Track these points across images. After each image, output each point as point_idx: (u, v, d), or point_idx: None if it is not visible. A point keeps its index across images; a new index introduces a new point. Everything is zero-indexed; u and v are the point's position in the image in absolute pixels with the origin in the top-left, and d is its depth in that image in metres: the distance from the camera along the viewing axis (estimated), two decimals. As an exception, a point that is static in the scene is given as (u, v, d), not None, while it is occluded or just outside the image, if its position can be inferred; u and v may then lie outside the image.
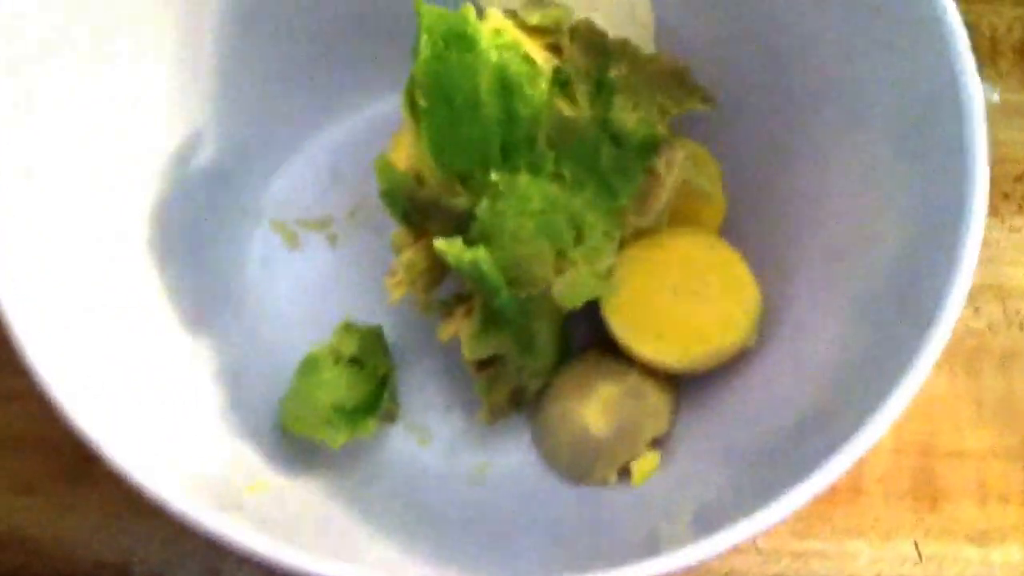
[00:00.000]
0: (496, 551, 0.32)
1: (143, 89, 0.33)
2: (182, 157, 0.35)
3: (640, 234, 0.34)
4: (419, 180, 0.32)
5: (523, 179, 0.32)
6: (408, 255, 0.32)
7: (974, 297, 0.40)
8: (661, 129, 0.33)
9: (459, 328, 0.33)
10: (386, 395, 0.34)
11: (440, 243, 0.31)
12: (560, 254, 0.32)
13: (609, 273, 0.33)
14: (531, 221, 0.32)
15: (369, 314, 0.36)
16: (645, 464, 0.34)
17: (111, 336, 0.30)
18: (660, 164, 0.33)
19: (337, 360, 0.34)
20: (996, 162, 0.35)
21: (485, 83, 0.31)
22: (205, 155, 0.36)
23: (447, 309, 0.33)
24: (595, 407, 0.34)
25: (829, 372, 0.31)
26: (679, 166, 0.33)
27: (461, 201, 0.32)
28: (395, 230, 0.33)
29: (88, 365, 0.27)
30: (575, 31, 0.32)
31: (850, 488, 0.38)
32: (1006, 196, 0.42)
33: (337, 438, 0.33)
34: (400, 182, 0.32)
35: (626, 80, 0.32)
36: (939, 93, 0.29)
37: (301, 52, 0.37)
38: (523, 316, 0.32)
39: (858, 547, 0.37)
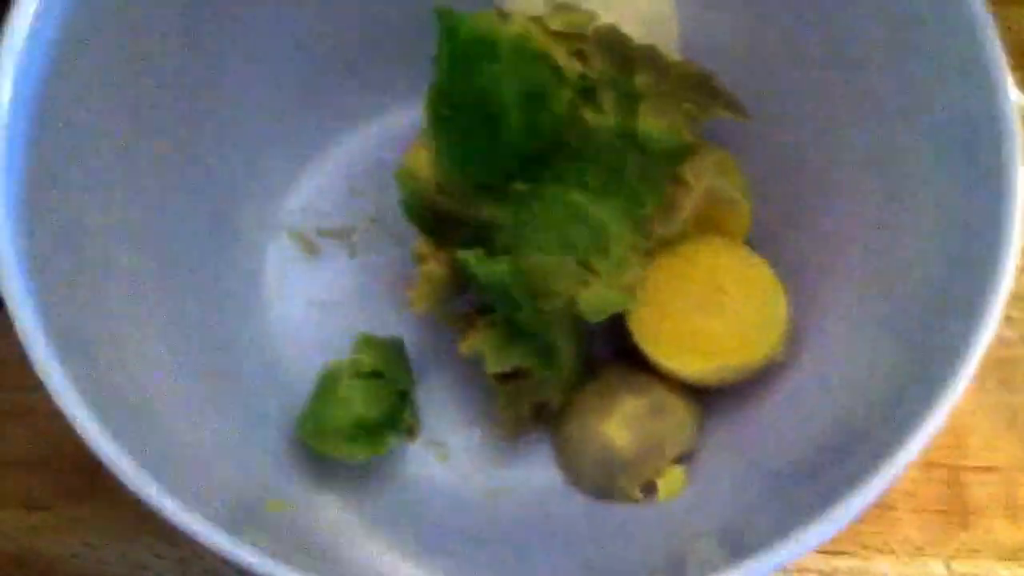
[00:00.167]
0: (516, 571, 0.31)
1: (159, 97, 0.32)
2: (199, 166, 0.34)
3: (665, 243, 0.33)
4: (441, 190, 0.31)
5: (547, 189, 0.31)
6: (430, 266, 0.32)
7: (1006, 306, 0.39)
8: (687, 136, 0.32)
9: (481, 341, 0.32)
10: (407, 410, 0.34)
11: (462, 255, 0.30)
12: (584, 266, 0.31)
13: (634, 285, 0.32)
14: (555, 232, 0.31)
15: (387, 325, 0.36)
16: (671, 480, 0.33)
17: (124, 350, 0.29)
18: (687, 172, 0.32)
19: (357, 374, 0.33)
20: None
21: (508, 91, 0.30)
22: (222, 164, 0.35)
23: (468, 321, 0.33)
24: (619, 422, 0.33)
25: (861, 390, 0.30)
26: (706, 174, 0.32)
27: (484, 212, 0.31)
28: (416, 241, 0.32)
29: (100, 380, 0.27)
30: (600, 37, 0.31)
31: (877, 504, 0.37)
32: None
33: (357, 455, 0.32)
34: (422, 193, 0.31)
35: (652, 87, 0.32)
36: (976, 108, 0.28)
37: (320, 59, 0.37)
38: (546, 329, 0.32)
39: (886, 565, 0.36)
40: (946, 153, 0.30)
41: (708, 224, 0.34)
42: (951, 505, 0.37)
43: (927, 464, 0.37)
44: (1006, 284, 0.27)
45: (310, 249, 0.37)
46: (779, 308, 0.33)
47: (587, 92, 0.31)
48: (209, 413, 0.31)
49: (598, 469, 0.33)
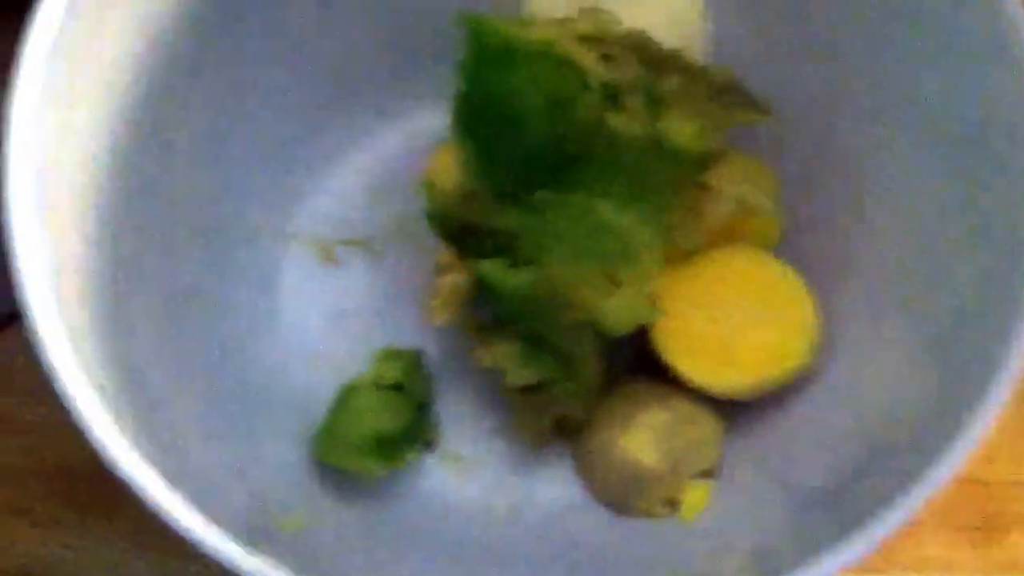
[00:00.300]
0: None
1: (177, 105, 0.31)
2: (216, 173, 0.34)
3: (692, 252, 0.32)
4: (466, 200, 0.30)
5: (571, 197, 0.30)
6: (452, 277, 0.31)
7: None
8: (715, 142, 0.31)
9: (501, 353, 0.31)
10: (426, 423, 0.33)
11: (485, 265, 0.29)
12: (609, 276, 0.31)
13: (659, 296, 0.31)
14: (579, 242, 0.30)
15: (406, 336, 0.35)
16: (696, 496, 0.32)
17: (139, 362, 0.28)
18: (714, 179, 0.31)
19: (378, 387, 0.32)
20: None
21: (532, 98, 0.30)
22: (240, 171, 0.35)
23: (488, 332, 0.32)
24: (643, 435, 0.32)
25: (891, 407, 0.29)
26: (735, 180, 0.31)
27: (507, 221, 0.30)
28: (440, 251, 0.32)
29: (116, 393, 0.26)
30: (626, 41, 0.31)
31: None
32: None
33: (375, 469, 0.31)
34: (446, 202, 0.30)
35: (679, 92, 0.31)
36: (1008, 119, 0.28)
37: (340, 66, 0.36)
38: (568, 341, 0.31)
39: (916, 583, 0.35)
40: (983, 161, 0.29)
41: (735, 232, 0.33)
42: (981, 521, 0.36)
43: (956, 479, 0.36)
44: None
45: (327, 257, 0.37)
46: (809, 319, 0.32)
47: (613, 98, 0.31)
48: (224, 426, 0.31)
49: (621, 484, 0.33)
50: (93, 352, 0.26)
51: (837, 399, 0.31)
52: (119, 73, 0.29)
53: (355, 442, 0.32)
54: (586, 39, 0.30)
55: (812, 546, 0.24)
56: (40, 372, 0.24)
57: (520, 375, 0.31)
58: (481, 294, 0.32)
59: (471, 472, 0.34)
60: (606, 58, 0.31)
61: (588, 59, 0.30)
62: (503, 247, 0.31)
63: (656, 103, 0.31)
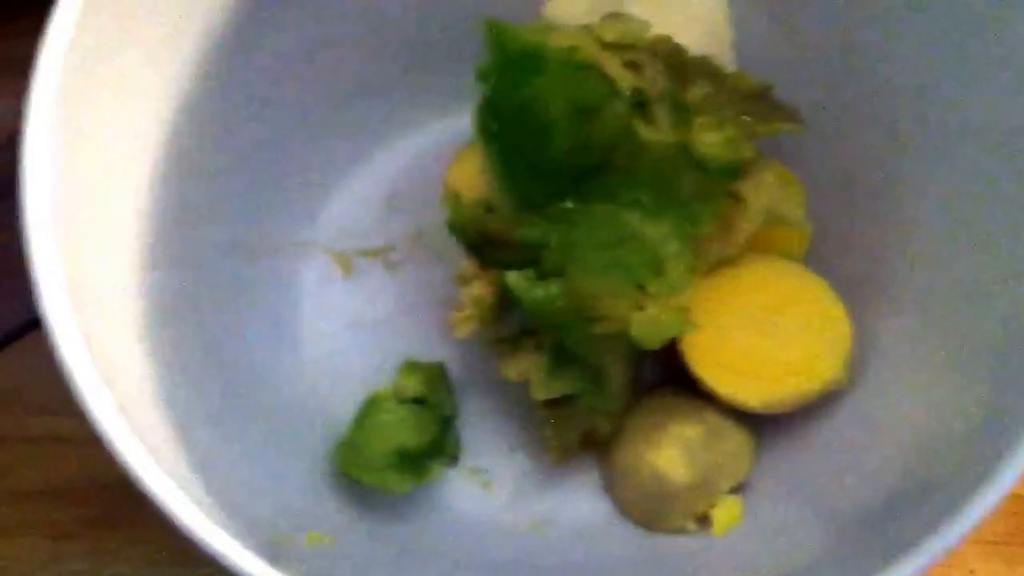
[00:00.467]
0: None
1: (192, 115, 0.31)
2: (233, 183, 0.33)
3: (720, 262, 0.32)
4: (489, 210, 0.30)
5: (598, 207, 0.30)
6: (475, 289, 0.30)
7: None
8: (746, 151, 0.30)
9: (527, 365, 0.31)
10: (450, 438, 0.32)
11: (511, 277, 0.29)
12: (638, 288, 0.30)
13: (689, 308, 0.31)
14: (607, 253, 0.29)
15: (427, 347, 0.35)
16: (727, 512, 0.31)
17: (160, 375, 0.28)
18: (746, 188, 0.30)
19: (400, 401, 0.32)
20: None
21: (557, 105, 0.29)
22: (257, 182, 0.34)
23: (513, 344, 0.31)
24: (672, 450, 0.32)
25: (928, 426, 0.28)
26: (765, 190, 0.31)
27: (532, 232, 0.30)
28: (462, 262, 0.31)
29: (139, 407, 0.25)
30: (654, 48, 0.30)
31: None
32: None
33: (401, 485, 0.31)
34: (468, 212, 0.30)
35: (708, 99, 0.30)
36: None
37: (358, 73, 0.36)
38: (596, 353, 0.30)
39: (950, 600, 0.35)
40: (1007, 179, 0.28)
41: (765, 243, 0.32)
42: (1016, 537, 0.35)
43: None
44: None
45: (347, 268, 0.36)
46: (842, 332, 0.31)
47: (640, 105, 0.30)
48: (245, 439, 0.30)
49: (650, 500, 0.32)
50: (116, 367, 0.25)
51: (872, 417, 0.30)
52: (140, 89, 0.28)
53: (377, 457, 0.31)
54: (613, 45, 0.30)
55: (851, 573, 0.24)
56: (55, 385, 0.24)
57: (547, 388, 0.30)
58: (506, 305, 0.31)
59: (495, 487, 0.34)
60: (632, 65, 0.30)
61: (614, 66, 0.29)
62: (528, 258, 0.30)
63: (684, 111, 0.30)
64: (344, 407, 0.33)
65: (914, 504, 0.26)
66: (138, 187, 0.29)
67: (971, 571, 0.35)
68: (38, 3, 0.27)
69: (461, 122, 0.35)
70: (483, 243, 0.30)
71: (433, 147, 0.37)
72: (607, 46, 0.30)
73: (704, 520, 0.32)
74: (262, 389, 0.32)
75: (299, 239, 0.36)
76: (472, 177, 0.32)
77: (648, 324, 0.29)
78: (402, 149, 0.37)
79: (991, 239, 0.29)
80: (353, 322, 0.36)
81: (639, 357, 0.32)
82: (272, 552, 0.25)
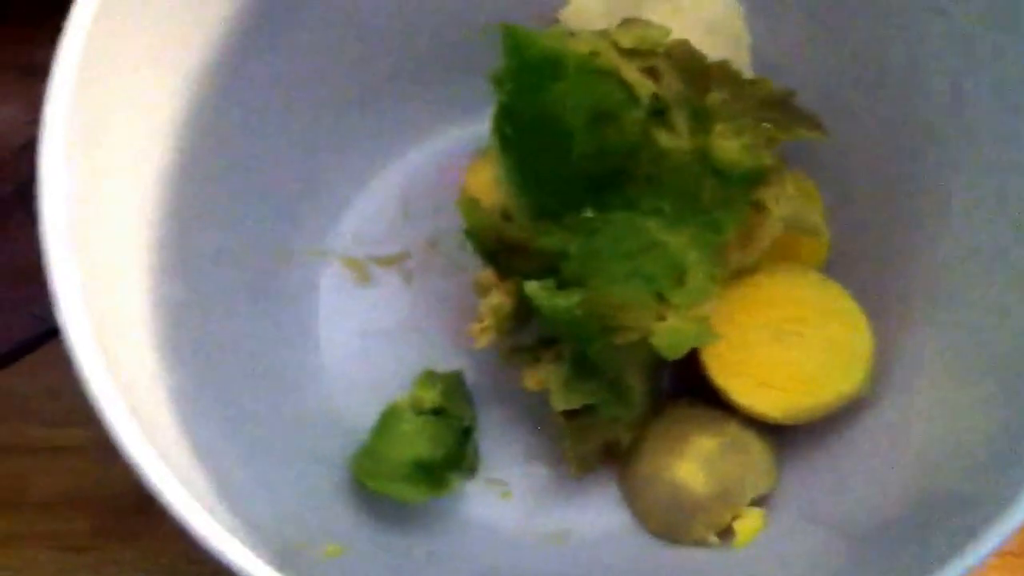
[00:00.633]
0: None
1: (206, 124, 0.30)
2: (248, 191, 0.33)
3: (741, 271, 0.31)
4: (507, 217, 0.30)
5: (618, 216, 0.29)
6: (494, 299, 0.30)
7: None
8: (767, 158, 0.30)
9: (547, 375, 0.30)
10: (469, 449, 0.32)
11: (531, 287, 0.28)
12: (659, 298, 0.29)
13: (710, 318, 0.30)
14: (628, 262, 0.29)
15: (445, 356, 0.34)
16: (749, 524, 0.31)
17: (173, 383, 0.27)
18: (767, 196, 0.30)
19: (419, 411, 0.31)
20: None
21: (576, 112, 0.29)
22: (272, 190, 0.34)
23: (533, 354, 0.31)
24: (693, 461, 0.31)
25: (957, 440, 0.27)
26: (786, 198, 0.30)
27: (552, 240, 0.29)
28: (479, 271, 0.31)
29: (153, 416, 0.25)
30: (672, 54, 0.30)
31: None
32: None
33: (419, 496, 0.30)
34: (486, 220, 0.29)
35: (728, 106, 0.30)
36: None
37: (373, 81, 0.35)
38: (616, 365, 0.30)
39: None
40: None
41: (784, 251, 0.32)
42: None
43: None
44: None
45: (364, 276, 0.36)
46: (864, 341, 0.31)
47: (659, 112, 0.30)
48: (262, 449, 0.30)
49: (671, 512, 0.31)
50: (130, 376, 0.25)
51: (895, 429, 0.30)
52: (153, 98, 0.28)
53: (395, 469, 0.31)
54: (631, 51, 0.30)
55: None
56: (65, 396, 0.24)
57: (566, 398, 0.30)
58: (524, 315, 0.31)
59: (513, 498, 0.33)
60: (651, 71, 0.30)
61: (632, 72, 0.29)
62: (547, 266, 0.30)
63: (704, 118, 0.30)
64: (360, 415, 0.33)
65: (938, 522, 0.25)
66: (153, 196, 0.28)
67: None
68: (52, 10, 0.27)
69: (477, 129, 0.35)
70: (500, 251, 0.30)
71: (449, 154, 0.37)
72: (624, 52, 0.30)
73: (726, 533, 0.31)
74: (277, 397, 0.32)
75: (315, 247, 0.36)
76: (488, 184, 0.32)
77: (669, 334, 0.29)
78: (418, 156, 0.37)
79: (1015, 249, 0.28)
80: (369, 330, 0.35)
81: (659, 367, 0.32)
82: (287, 562, 0.25)
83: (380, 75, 0.35)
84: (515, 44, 0.29)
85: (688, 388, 0.33)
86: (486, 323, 0.30)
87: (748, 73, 0.33)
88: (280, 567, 0.23)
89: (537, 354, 0.31)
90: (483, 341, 0.30)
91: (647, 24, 0.30)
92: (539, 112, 0.29)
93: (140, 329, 0.27)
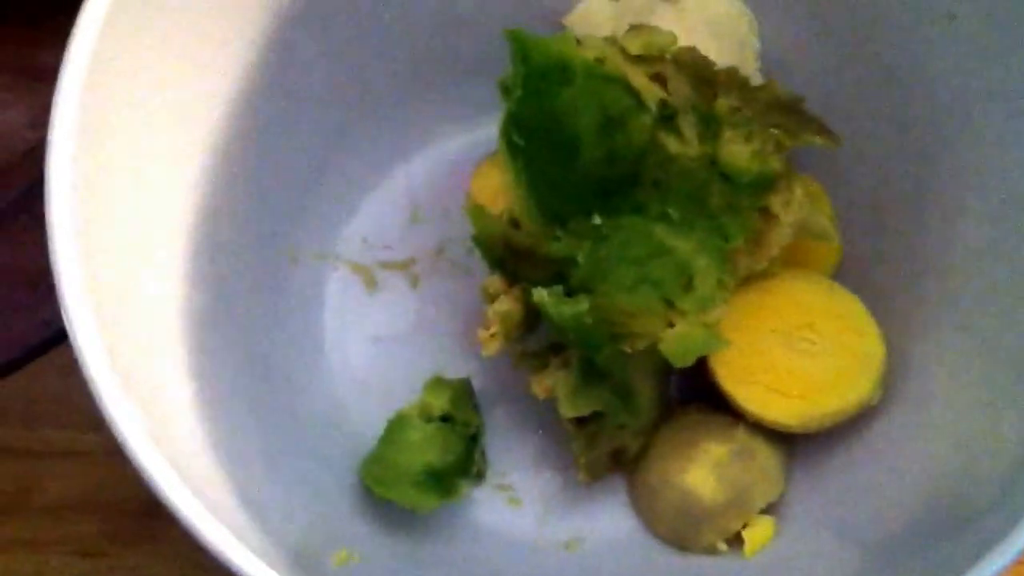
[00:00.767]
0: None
1: (213, 130, 0.31)
2: (255, 196, 0.33)
3: (751, 278, 0.31)
4: (515, 224, 0.29)
5: (627, 222, 0.29)
6: (503, 305, 0.30)
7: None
8: (776, 164, 0.30)
9: (555, 382, 0.30)
10: (477, 455, 0.32)
11: (539, 294, 0.28)
12: (668, 304, 0.29)
13: (720, 324, 0.30)
14: (637, 269, 0.29)
15: (452, 361, 0.34)
16: (759, 532, 0.31)
17: (180, 387, 0.27)
18: (776, 202, 0.30)
19: (428, 419, 0.31)
20: None
21: (584, 118, 0.29)
22: (280, 195, 0.34)
23: (541, 361, 0.31)
24: (702, 468, 0.31)
25: (969, 449, 0.27)
26: (796, 204, 0.30)
27: (560, 247, 0.29)
28: (487, 277, 0.31)
29: (160, 418, 0.25)
30: (680, 59, 0.30)
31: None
32: None
33: (428, 503, 0.30)
34: (494, 227, 0.29)
35: (736, 112, 0.30)
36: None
37: (380, 86, 0.35)
38: (625, 371, 0.30)
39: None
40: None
41: (794, 257, 0.32)
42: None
43: None
44: None
45: (370, 281, 0.36)
46: (875, 348, 0.31)
47: (667, 118, 0.30)
48: (271, 457, 0.30)
49: (680, 519, 0.31)
50: (142, 383, 0.25)
51: (906, 437, 0.30)
52: (163, 103, 0.28)
53: (404, 476, 0.31)
54: (638, 57, 0.29)
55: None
56: (78, 400, 0.24)
57: (574, 405, 0.30)
58: (532, 321, 0.30)
59: (523, 503, 0.33)
60: (659, 77, 0.30)
61: (640, 78, 0.29)
62: (555, 273, 0.30)
63: (712, 123, 0.30)
64: (368, 420, 0.33)
65: (951, 533, 0.25)
66: (160, 201, 0.28)
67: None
68: (53, 11, 0.27)
69: (484, 134, 0.35)
70: (508, 257, 0.30)
71: (456, 159, 0.37)
72: (632, 58, 0.29)
73: (735, 540, 0.31)
74: (286, 402, 0.32)
75: (322, 252, 0.36)
76: (495, 190, 0.32)
77: (678, 341, 0.29)
78: (425, 161, 0.37)
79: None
80: (376, 335, 0.35)
81: (667, 374, 0.32)
82: (298, 569, 0.25)
83: (386, 79, 0.35)
84: (523, 50, 0.28)
85: (697, 395, 0.33)
86: (494, 330, 0.30)
87: (756, 78, 0.33)
88: (290, 574, 0.23)
89: (545, 360, 0.31)
90: (491, 349, 0.30)
91: (654, 30, 0.30)
92: (547, 118, 0.29)
93: (147, 332, 0.27)
